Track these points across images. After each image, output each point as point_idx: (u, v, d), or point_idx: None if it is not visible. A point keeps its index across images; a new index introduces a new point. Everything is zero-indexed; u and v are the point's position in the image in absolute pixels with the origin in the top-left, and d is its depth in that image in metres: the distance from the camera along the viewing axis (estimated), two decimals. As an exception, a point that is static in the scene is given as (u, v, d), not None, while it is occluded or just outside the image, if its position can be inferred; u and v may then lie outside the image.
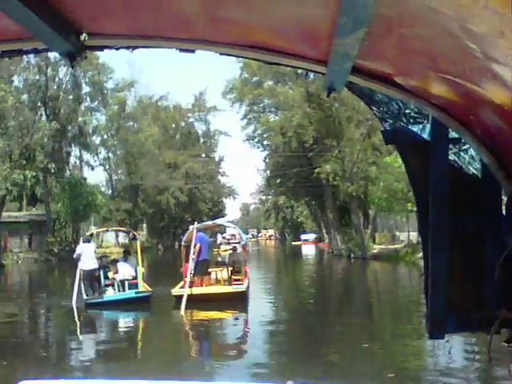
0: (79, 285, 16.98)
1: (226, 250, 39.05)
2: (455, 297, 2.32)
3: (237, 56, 2.10)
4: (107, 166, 70.34)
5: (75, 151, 64.38)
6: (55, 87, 56.79)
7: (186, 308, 15.44)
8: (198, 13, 1.71)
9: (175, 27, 1.87)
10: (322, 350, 11.16)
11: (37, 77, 53.90)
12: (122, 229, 27.92)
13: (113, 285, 17.48)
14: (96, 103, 65.03)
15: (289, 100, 48.44)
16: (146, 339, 14.06)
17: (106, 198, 65.07)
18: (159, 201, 70.48)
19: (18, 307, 19.65)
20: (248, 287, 17.94)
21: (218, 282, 18.25)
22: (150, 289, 17.35)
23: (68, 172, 61.62)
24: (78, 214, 54.43)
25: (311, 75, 43.18)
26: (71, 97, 58.38)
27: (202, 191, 78.87)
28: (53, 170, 57.87)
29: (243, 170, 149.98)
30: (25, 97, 51.39)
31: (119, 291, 17.16)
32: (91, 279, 17.19)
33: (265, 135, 55.59)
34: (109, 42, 1.92)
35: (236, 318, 16.16)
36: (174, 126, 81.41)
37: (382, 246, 42.26)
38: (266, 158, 60.60)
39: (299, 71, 42.56)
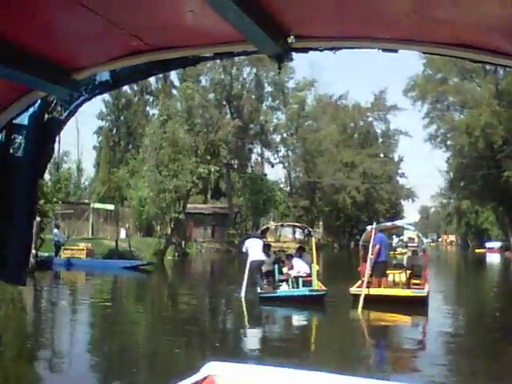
0: (249, 277, 17.01)
1: (402, 253, 37.70)
2: None
3: (441, 55, 2.07)
4: (286, 164, 71.99)
5: (257, 148, 66.83)
6: (239, 86, 59.16)
7: (363, 308, 14.97)
8: (407, 11, 1.69)
9: (381, 27, 1.86)
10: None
11: (222, 76, 56.51)
12: (298, 224, 27.81)
13: (287, 280, 17.25)
14: (277, 102, 66.80)
15: (476, 97, 45.34)
16: (319, 338, 13.65)
17: (285, 195, 66.50)
18: (336, 199, 70.52)
19: (197, 295, 20.41)
20: (429, 292, 16.80)
21: (395, 284, 17.54)
22: (324, 288, 16.93)
23: (250, 168, 63.96)
24: (258, 209, 56.15)
25: (501, 71, 39.92)
26: (254, 96, 60.40)
27: (380, 192, 77.20)
28: (236, 166, 60.40)
29: (423, 171, 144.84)
30: (211, 95, 54.04)
31: (293, 287, 16.88)
32: (261, 271, 17.09)
33: (448, 135, 52.80)
34: (314, 44, 1.97)
35: (415, 324, 15.30)
36: (352, 125, 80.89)
37: None
38: (449, 158, 57.70)
39: (488, 67, 39.56)
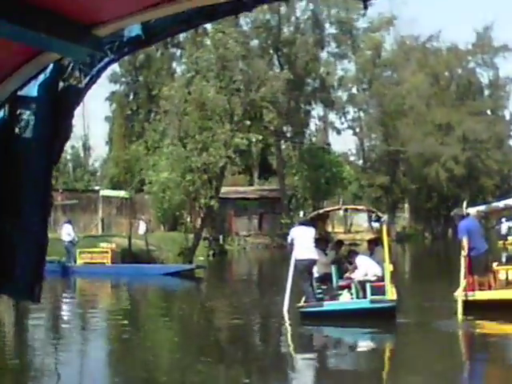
0: (294, 283, 16.02)
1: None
2: None
3: None
4: (357, 129, 70.84)
5: (317, 110, 65.26)
6: (291, 29, 57.73)
7: (464, 319, 14.88)
8: None
9: None
10: None
11: (267, 16, 54.92)
12: (361, 207, 26.07)
13: (349, 287, 15.95)
14: (343, 48, 65.51)
15: None
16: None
17: (357, 170, 65.19)
18: (426, 174, 68.67)
19: (232, 309, 19.64)
20: None
21: (509, 283, 16.98)
22: (394, 297, 15.46)
23: (307, 136, 62.54)
24: (320, 190, 55.61)
25: None
26: (311, 40, 58.68)
27: (486, 161, 74.50)
28: (289, 134, 59.04)
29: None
30: (253, 42, 52.83)
31: (357, 297, 15.64)
32: (311, 274, 15.90)
33: None
34: None
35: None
36: (447, 74, 78.38)
37: None
38: None
39: None
